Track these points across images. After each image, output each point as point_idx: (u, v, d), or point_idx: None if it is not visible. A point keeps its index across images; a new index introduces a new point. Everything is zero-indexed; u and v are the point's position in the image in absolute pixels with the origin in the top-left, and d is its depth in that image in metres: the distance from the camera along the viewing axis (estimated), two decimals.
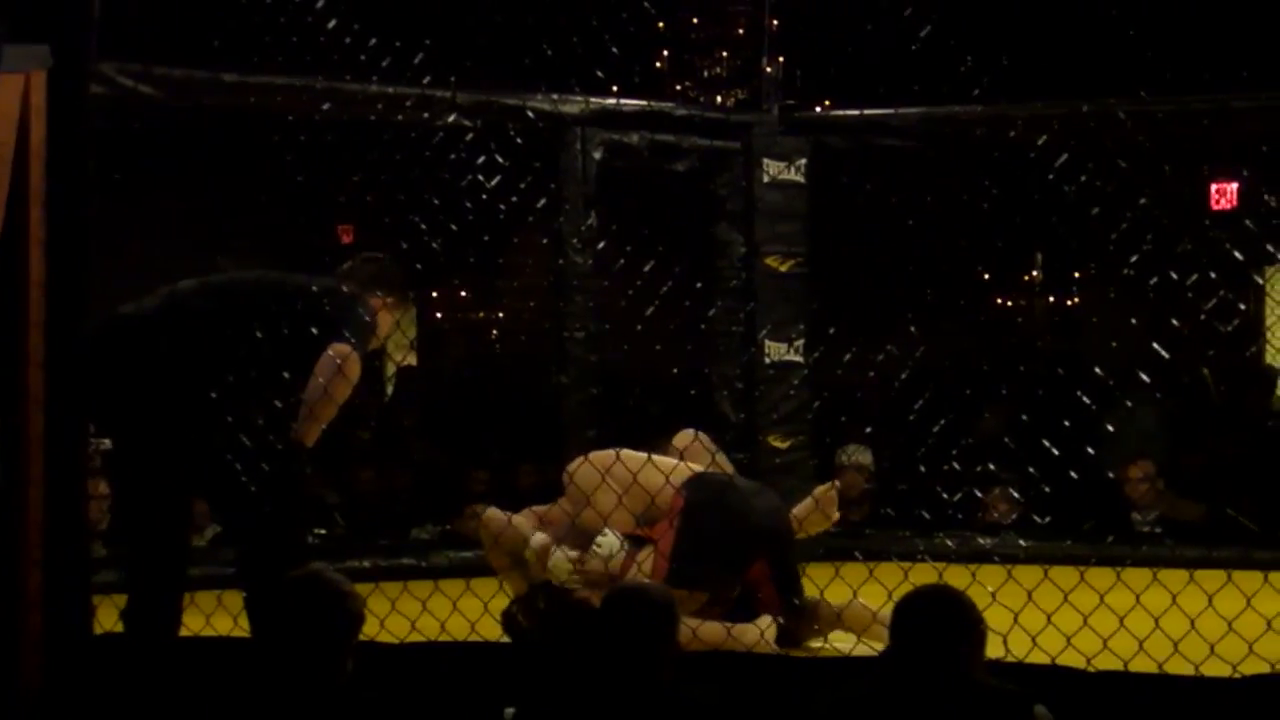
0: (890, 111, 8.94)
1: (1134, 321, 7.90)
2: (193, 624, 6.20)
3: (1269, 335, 10.20)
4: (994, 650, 4.49)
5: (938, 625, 4.20)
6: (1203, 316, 6.85)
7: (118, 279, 6.65)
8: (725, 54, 9.83)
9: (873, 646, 5.89)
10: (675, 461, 6.43)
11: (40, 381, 5.65)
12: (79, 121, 5.77)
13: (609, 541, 6.37)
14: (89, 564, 5.94)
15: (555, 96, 8.46)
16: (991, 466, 8.80)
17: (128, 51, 7.24)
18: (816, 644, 6.26)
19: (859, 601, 6.12)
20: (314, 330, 6.04)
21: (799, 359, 8.93)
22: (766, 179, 8.97)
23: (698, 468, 6.49)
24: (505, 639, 6.28)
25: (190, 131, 8.09)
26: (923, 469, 7.59)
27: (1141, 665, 5.20)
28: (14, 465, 5.63)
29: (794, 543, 6.53)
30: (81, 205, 5.77)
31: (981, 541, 8.26)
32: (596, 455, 6.57)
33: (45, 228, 5.65)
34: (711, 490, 6.37)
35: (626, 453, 6.46)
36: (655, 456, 6.45)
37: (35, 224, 5.63)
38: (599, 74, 8.18)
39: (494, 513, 6.69)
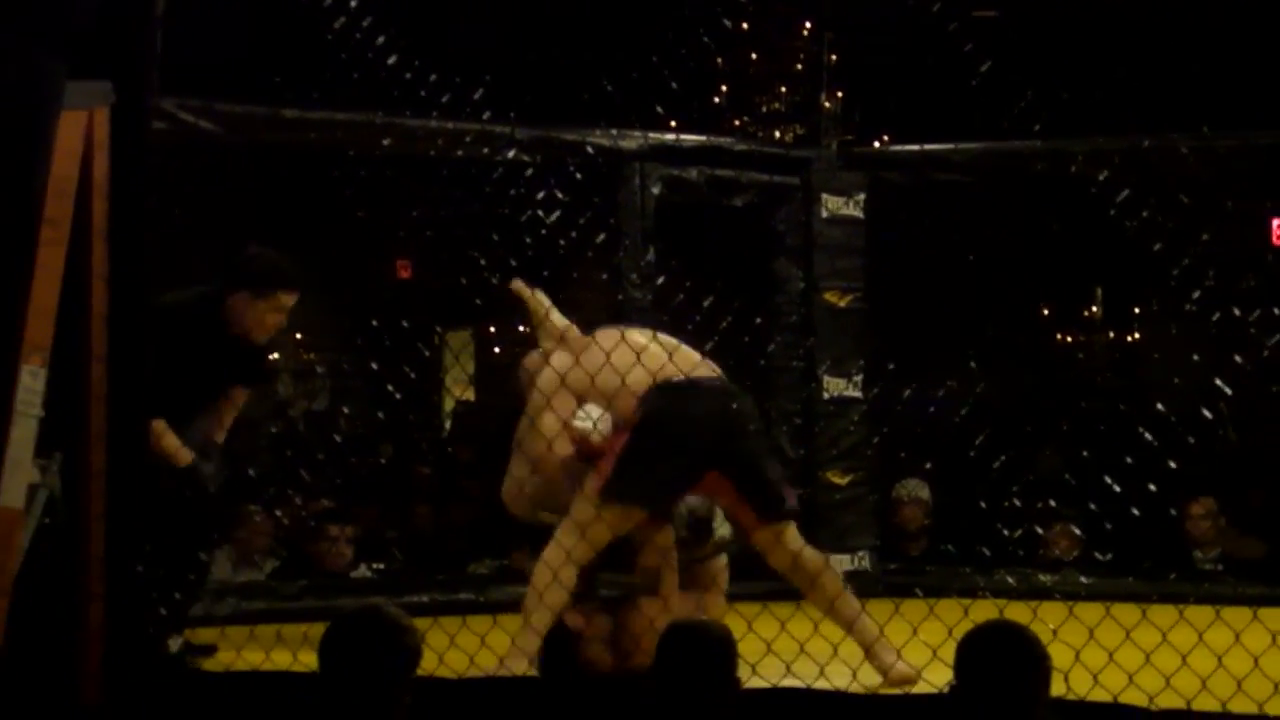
0: (950, 146, 8.92)
1: (1196, 357, 7.85)
2: (252, 658, 6.22)
3: None
4: (1056, 688, 4.45)
5: (1003, 662, 4.17)
6: (1265, 353, 6.81)
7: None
8: (784, 89, 9.83)
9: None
10: (660, 357, 6.33)
11: (103, 416, 5.68)
12: (141, 157, 5.80)
13: (591, 409, 6.35)
14: (150, 596, 5.95)
15: (614, 132, 8.46)
16: (1052, 503, 8.77)
17: (189, 87, 7.28)
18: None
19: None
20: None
21: (858, 394, 8.91)
22: (825, 214, 8.97)
23: (675, 369, 6.36)
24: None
25: (250, 166, 8.14)
26: (983, 505, 7.55)
27: (1204, 704, 5.15)
28: (76, 499, 5.65)
29: (757, 446, 6.44)
30: (142, 240, 5.80)
31: (1042, 578, 8.21)
32: (600, 334, 6.54)
33: (108, 262, 5.68)
34: (667, 400, 6.26)
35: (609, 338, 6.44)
36: (647, 344, 6.39)
37: (98, 258, 5.66)
38: (658, 109, 8.20)
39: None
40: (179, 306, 6.48)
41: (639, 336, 6.45)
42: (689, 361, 6.36)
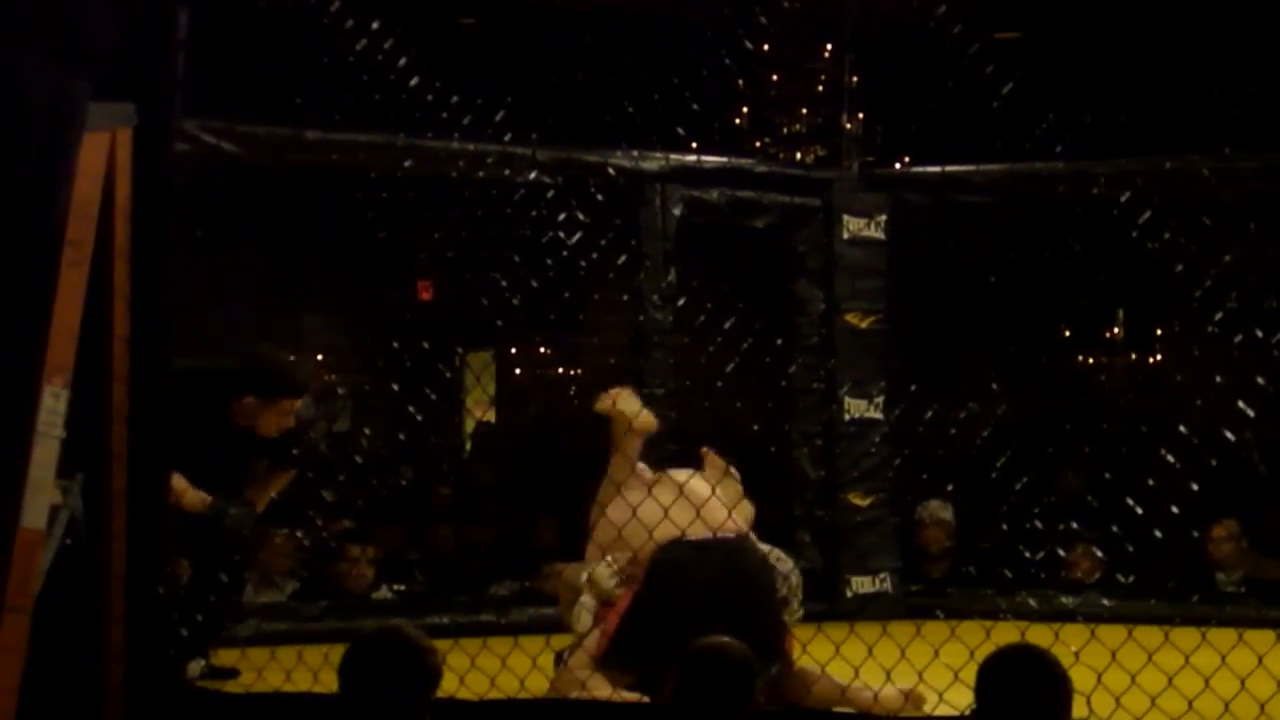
0: (971, 168, 8.92)
1: (1218, 379, 7.83)
2: (273, 679, 6.22)
3: None
4: (1078, 710, 4.43)
5: (1024, 685, 4.15)
6: None
7: (202, 335, 6.72)
8: (805, 111, 9.82)
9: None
10: (688, 514, 6.31)
11: (123, 436, 5.69)
12: (163, 178, 5.81)
13: (602, 569, 6.33)
14: (170, 618, 5.96)
15: (636, 153, 8.47)
16: (1074, 525, 8.75)
17: (211, 109, 7.30)
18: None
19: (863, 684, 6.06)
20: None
21: (879, 416, 8.89)
22: (847, 235, 8.96)
23: (712, 517, 6.33)
24: (583, 695, 6.27)
25: (273, 188, 8.16)
26: (1005, 527, 7.53)
27: None
28: (97, 520, 5.66)
29: (765, 611, 6.37)
30: (165, 261, 5.81)
31: (1064, 600, 8.19)
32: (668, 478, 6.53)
33: (130, 283, 5.69)
34: (675, 568, 6.21)
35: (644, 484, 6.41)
36: (689, 484, 6.39)
37: (120, 279, 5.67)
38: (679, 131, 8.20)
39: (572, 568, 6.67)
40: (193, 380, 6.54)
41: (694, 483, 6.44)
42: (715, 519, 6.30)
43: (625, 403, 6.66)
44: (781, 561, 6.53)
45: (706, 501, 6.29)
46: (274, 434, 6.87)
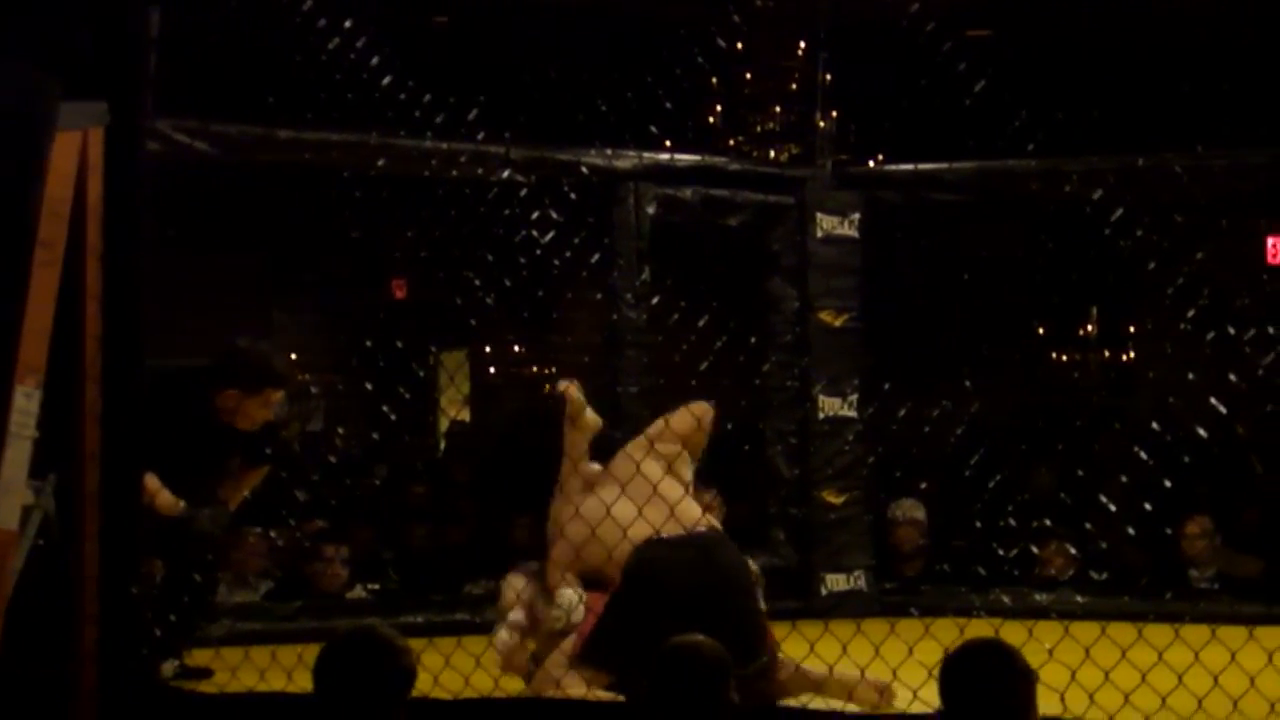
0: (944, 166, 8.92)
1: (1191, 376, 7.85)
2: (247, 679, 6.21)
3: None
4: (1051, 707, 4.45)
5: (987, 679, 4.16)
6: (1260, 371, 6.82)
7: (172, 335, 6.71)
8: (779, 109, 9.83)
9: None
10: (661, 513, 6.29)
11: (96, 436, 5.68)
12: (135, 178, 5.80)
13: (567, 596, 6.31)
14: (144, 618, 5.95)
15: (609, 152, 8.46)
16: (1047, 522, 8.76)
17: (183, 109, 7.29)
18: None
19: (839, 672, 6.06)
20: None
21: (853, 414, 8.90)
22: (820, 234, 8.96)
23: (686, 515, 6.32)
24: (558, 694, 6.27)
25: (246, 188, 8.14)
26: (978, 524, 7.55)
27: None
28: (70, 520, 5.65)
29: (744, 606, 6.36)
30: (137, 260, 5.79)
31: (1038, 597, 8.20)
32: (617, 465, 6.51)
33: (102, 282, 5.67)
34: (653, 568, 6.18)
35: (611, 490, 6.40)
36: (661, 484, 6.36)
37: (92, 278, 5.66)
38: (653, 129, 8.20)
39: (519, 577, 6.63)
40: (168, 379, 6.54)
41: (654, 469, 6.39)
42: (689, 516, 6.28)
43: (572, 395, 6.63)
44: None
45: (680, 501, 6.29)
46: (255, 427, 6.86)
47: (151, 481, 6.32)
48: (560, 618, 6.23)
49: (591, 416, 6.59)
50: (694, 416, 6.49)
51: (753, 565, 6.57)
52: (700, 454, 6.57)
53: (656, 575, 6.17)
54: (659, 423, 6.55)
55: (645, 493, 6.25)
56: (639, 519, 6.24)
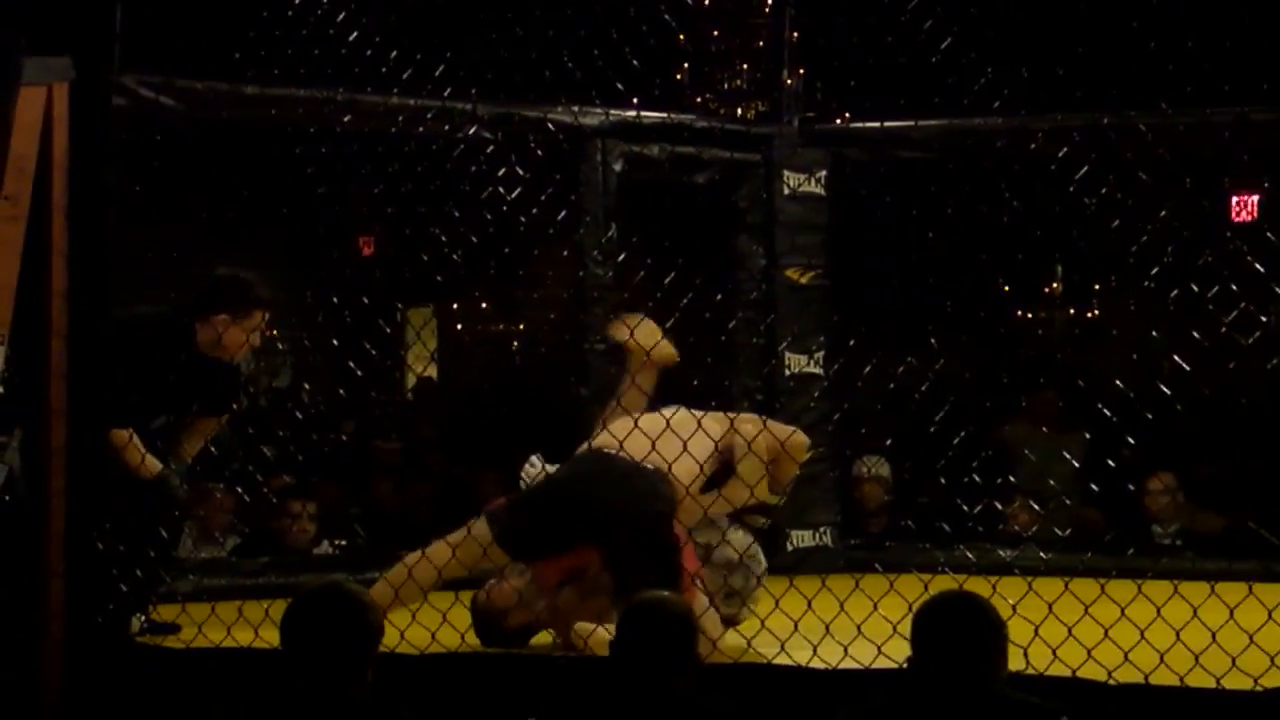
0: (910, 124, 8.91)
1: (1154, 334, 7.88)
2: (213, 635, 6.21)
3: None
4: (1015, 663, 4.48)
5: (957, 631, 4.18)
6: (1224, 329, 6.84)
7: (140, 290, 6.70)
8: (745, 66, 9.82)
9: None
10: (656, 426, 6.36)
11: (62, 392, 5.67)
12: (100, 133, 5.79)
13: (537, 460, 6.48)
14: (110, 573, 5.95)
15: (576, 109, 8.44)
16: (1011, 479, 8.80)
17: (149, 64, 7.25)
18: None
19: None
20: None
21: (819, 371, 8.92)
22: (787, 191, 8.97)
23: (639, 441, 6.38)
24: (525, 650, 6.30)
25: (212, 143, 8.11)
26: (942, 481, 7.57)
27: (1163, 678, 5.20)
28: (36, 476, 5.65)
29: (645, 538, 6.24)
30: (103, 216, 5.78)
31: (1002, 554, 8.23)
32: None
33: (67, 238, 5.66)
34: (580, 465, 6.40)
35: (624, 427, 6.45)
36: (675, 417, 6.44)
37: (58, 234, 5.66)
38: (619, 86, 8.18)
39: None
40: (138, 323, 6.49)
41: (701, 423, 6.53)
42: (639, 450, 6.33)
43: (643, 333, 6.69)
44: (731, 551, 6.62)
45: (661, 434, 6.32)
46: (245, 354, 6.82)
47: (122, 434, 6.30)
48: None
49: (666, 348, 6.64)
50: (791, 455, 6.77)
51: (744, 538, 6.63)
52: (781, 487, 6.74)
53: (580, 478, 6.35)
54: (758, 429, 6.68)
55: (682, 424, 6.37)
56: (604, 433, 6.42)
